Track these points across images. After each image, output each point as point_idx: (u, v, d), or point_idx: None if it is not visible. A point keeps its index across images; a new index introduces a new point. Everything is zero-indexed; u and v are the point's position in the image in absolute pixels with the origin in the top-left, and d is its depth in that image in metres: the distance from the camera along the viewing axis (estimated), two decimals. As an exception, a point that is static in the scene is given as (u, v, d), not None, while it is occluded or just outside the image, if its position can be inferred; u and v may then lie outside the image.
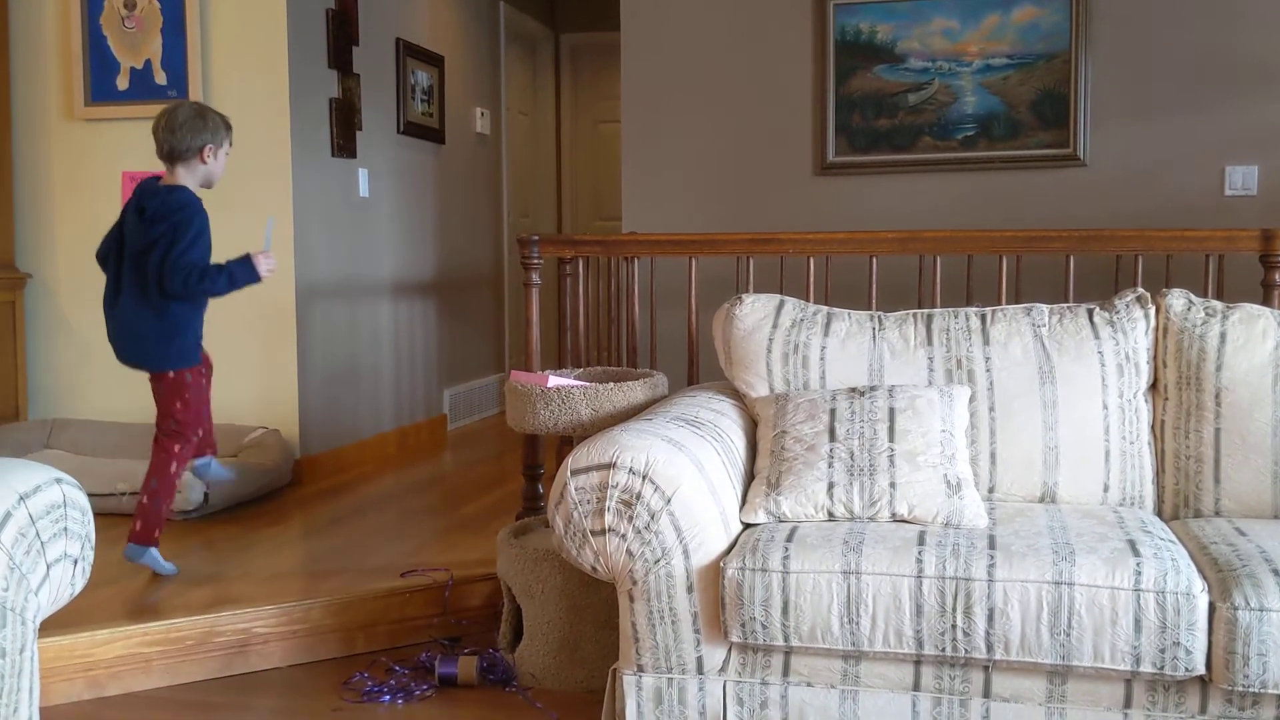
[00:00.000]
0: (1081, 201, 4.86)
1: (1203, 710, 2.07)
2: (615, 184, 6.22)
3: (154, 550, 3.25)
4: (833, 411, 2.55)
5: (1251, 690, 1.99)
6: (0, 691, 1.80)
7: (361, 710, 2.70)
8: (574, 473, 2.30)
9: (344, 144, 4.92)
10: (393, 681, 2.81)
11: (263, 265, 3.21)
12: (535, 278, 3.52)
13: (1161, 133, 4.85)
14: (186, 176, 3.22)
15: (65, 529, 1.91)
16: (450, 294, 6.02)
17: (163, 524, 3.26)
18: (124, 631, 2.84)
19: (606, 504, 2.25)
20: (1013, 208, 4.90)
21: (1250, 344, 2.53)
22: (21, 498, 1.83)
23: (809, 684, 2.24)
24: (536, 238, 3.52)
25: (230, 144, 3.32)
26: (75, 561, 1.96)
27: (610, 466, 2.27)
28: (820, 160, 5.14)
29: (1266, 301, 2.92)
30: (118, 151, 4.66)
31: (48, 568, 1.88)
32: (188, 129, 3.18)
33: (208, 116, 3.23)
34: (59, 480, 1.92)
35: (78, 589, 2.00)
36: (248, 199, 4.55)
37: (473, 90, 6.38)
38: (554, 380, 2.92)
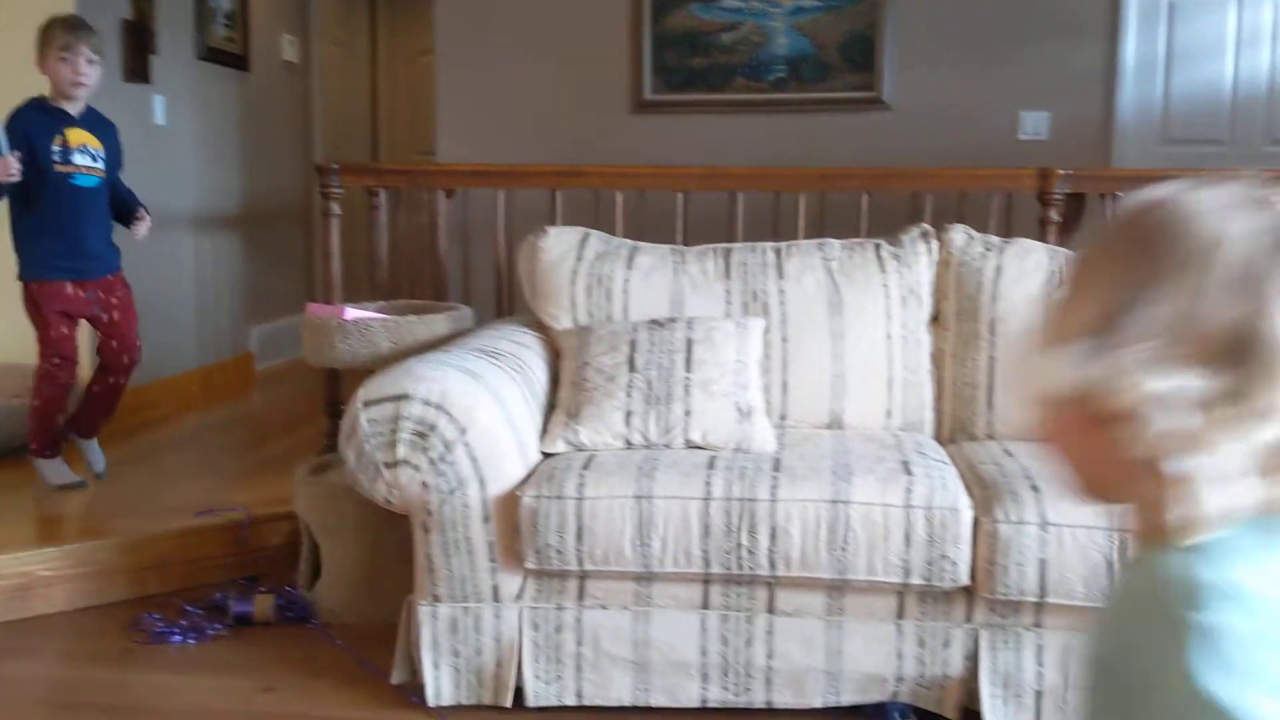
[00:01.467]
0: (885, 143, 5.01)
1: (968, 618, 2.20)
2: (434, 119, 6.09)
3: (38, 460, 3.39)
4: (633, 343, 2.58)
5: (1011, 598, 2.12)
6: None
7: (151, 651, 2.62)
8: (366, 404, 2.27)
9: (136, 68, 4.66)
10: (184, 622, 2.74)
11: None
12: (335, 208, 3.43)
13: (961, 78, 5.03)
14: None
15: None
16: (257, 229, 5.81)
17: (42, 436, 3.39)
18: (-112, 579, 2.68)
19: (399, 436, 2.23)
20: (821, 149, 5.02)
21: (1024, 276, 2.68)
22: None
23: (603, 606, 2.29)
24: (336, 166, 3.43)
25: (59, 46, 3.26)
26: None
27: (403, 398, 2.25)
28: (637, 98, 5.15)
29: (1043, 237, 3.08)
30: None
31: None
32: None
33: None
34: None
35: None
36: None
37: (280, 16, 6.13)
38: (351, 312, 2.86)
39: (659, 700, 2.29)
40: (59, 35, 3.25)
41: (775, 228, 3.55)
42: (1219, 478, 0.72)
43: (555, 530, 2.22)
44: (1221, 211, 0.74)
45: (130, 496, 3.39)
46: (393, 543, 2.71)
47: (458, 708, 2.32)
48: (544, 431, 2.51)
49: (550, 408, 2.60)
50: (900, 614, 2.22)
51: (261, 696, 2.39)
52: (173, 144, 5.02)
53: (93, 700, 2.37)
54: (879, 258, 2.76)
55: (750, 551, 2.18)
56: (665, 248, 2.88)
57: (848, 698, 2.26)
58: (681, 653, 2.27)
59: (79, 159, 3.29)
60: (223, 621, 2.74)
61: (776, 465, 2.27)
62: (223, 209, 5.48)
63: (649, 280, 2.78)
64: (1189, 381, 0.71)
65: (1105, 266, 0.77)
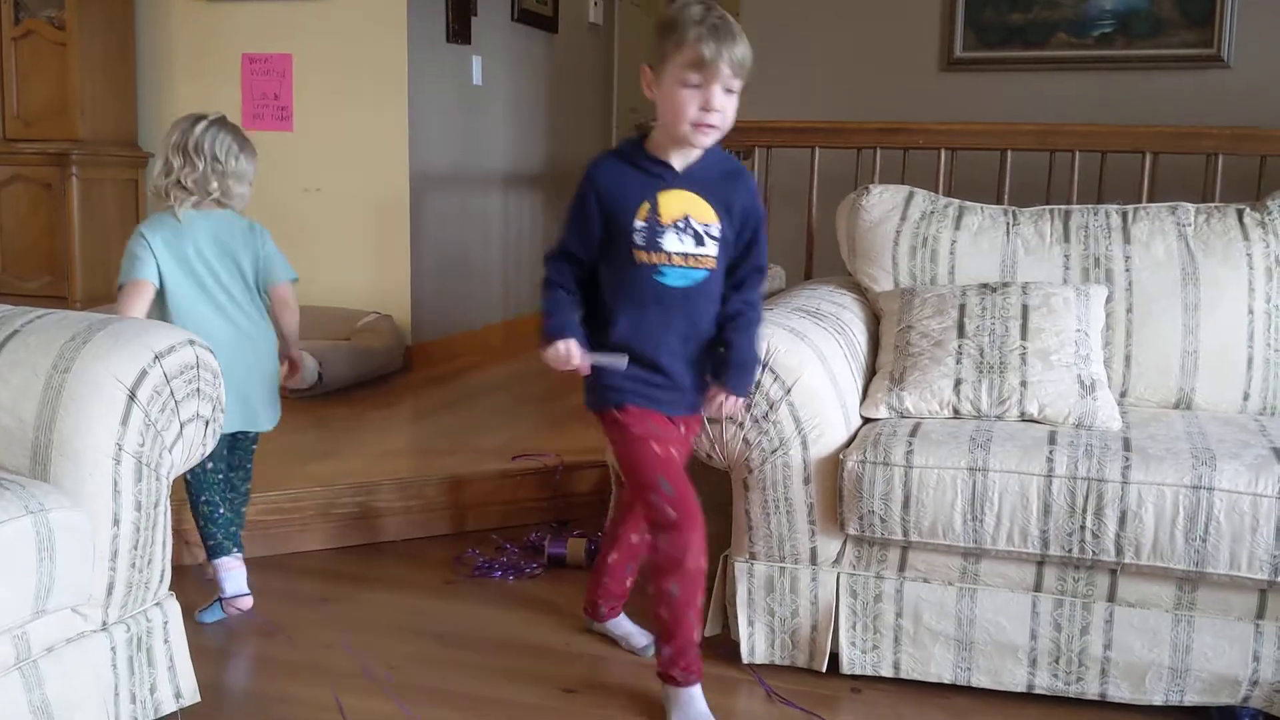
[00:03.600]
0: (1224, 107, 4.60)
1: (1344, 626, 1.98)
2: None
3: None
4: (962, 307, 2.47)
5: (1400, 607, 1.90)
6: (136, 544, 1.86)
7: (474, 584, 2.74)
8: (694, 358, 2.26)
9: (459, 30, 4.87)
10: (504, 559, 2.85)
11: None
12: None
13: (1317, 33, 4.55)
14: None
15: (198, 389, 1.95)
16: (560, 186, 5.98)
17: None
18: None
19: (726, 390, 2.22)
20: (1149, 112, 4.66)
21: None
22: (157, 356, 1.86)
23: (925, 580, 2.21)
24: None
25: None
26: (206, 423, 2.00)
27: (731, 353, 2.23)
28: (947, 55, 4.95)
29: None
30: (239, 34, 4.68)
31: (181, 426, 1.92)
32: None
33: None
34: (192, 342, 1.95)
35: (208, 449, 2.05)
36: (365, 87, 4.55)
37: (592, -21, 6.26)
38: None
39: (981, 681, 2.19)
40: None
41: (1100, 193, 3.32)
42: None
43: (880, 497, 2.15)
44: None
45: (449, 438, 3.56)
46: (706, 495, 2.71)
47: (770, 666, 2.30)
48: (864, 396, 2.44)
49: (871, 372, 2.53)
50: (1260, 613, 2.03)
51: (578, 636, 2.46)
52: (487, 104, 5.23)
53: (427, 627, 2.50)
54: (1242, 224, 2.52)
55: (1095, 535, 2.04)
56: (996, 208, 2.74)
57: (1192, 698, 2.09)
58: (1009, 634, 2.16)
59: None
60: (538, 561, 2.84)
61: (1126, 445, 2.12)
62: (529, 166, 5.67)
63: (978, 242, 2.65)
64: None
65: None
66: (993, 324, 2.41)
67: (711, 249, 2.03)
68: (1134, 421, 2.30)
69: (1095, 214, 2.64)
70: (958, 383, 2.35)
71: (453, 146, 4.96)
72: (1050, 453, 2.10)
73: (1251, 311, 2.46)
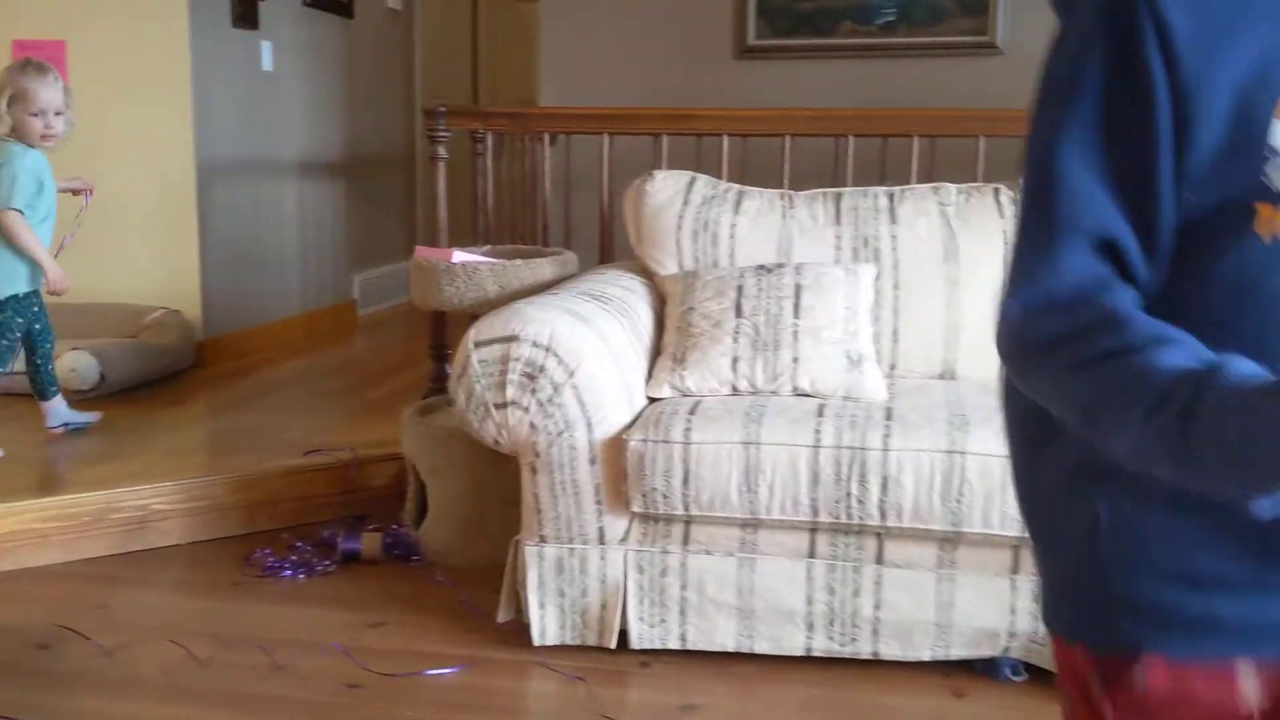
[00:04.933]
0: (999, 90, 4.84)
1: (1085, 575, 2.13)
2: (533, 68, 6.07)
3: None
4: (740, 288, 2.54)
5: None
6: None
7: (263, 584, 2.68)
8: (477, 345, 2.27)
9: (245, 14, 4.72)
10: (294, 557, 2.79)
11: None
12: (442, 151, 3.42)
13: (1078, 23, 4.85)
14: None
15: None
16: (360, 177, 5.87)
17: None
18: (17, 506, 2.78)
19: (509, 376, 2.23)
20: (932, 96, 4.87)
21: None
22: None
23: (708, 552, 2.27)
24: (444, 108, 3.42)
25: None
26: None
27: (513, 339, 2.24)
28: (740, 42, 5.06)
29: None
30: (7, 19, 4.41)
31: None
32: None
33: None
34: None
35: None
36: (145, 74, 4.36)
37: (384, -36, 6.15)
38: (459, 256, 2.86)
39: (763, 647, 2.27)
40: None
41: (883, 175, 3.46)
42: None
43: (662, 474, 2.20)
44: None
45: (241, 436, 3.46)
46: (499, 486, 2.72)
47: (562, 648, 2.33)
48: (649, 377, 2.49)
49: (656, 353, 2.58)
50: (1015, 569, 2.16)
51: (370, 631, 2.43)
52: (279, 90, 5.08)
53: (205, 629, 2.43)
54: (998, 203, 2.67)
55: (860, 501, 2.14)
56: (773, 192, 2.83)
57: (957, 651, 2.21)
58: (787, 600, 2.24)
59: None
60: (331, 558, 2.79)
61: (888, 414, 2.22)
62: (326, 155, 5.54)
63: (756, 225, 2.73)
64: None
65: None
66: (768, 304, 2.49)
67: None
68: (899, 392, 2.42)
69: (865, 196, 2.75)
70: (735, 361, 2.42)
71: (242, 135, 4.80)
72: (818, 425, 2.19)
73: (1006, 285, 2.61)
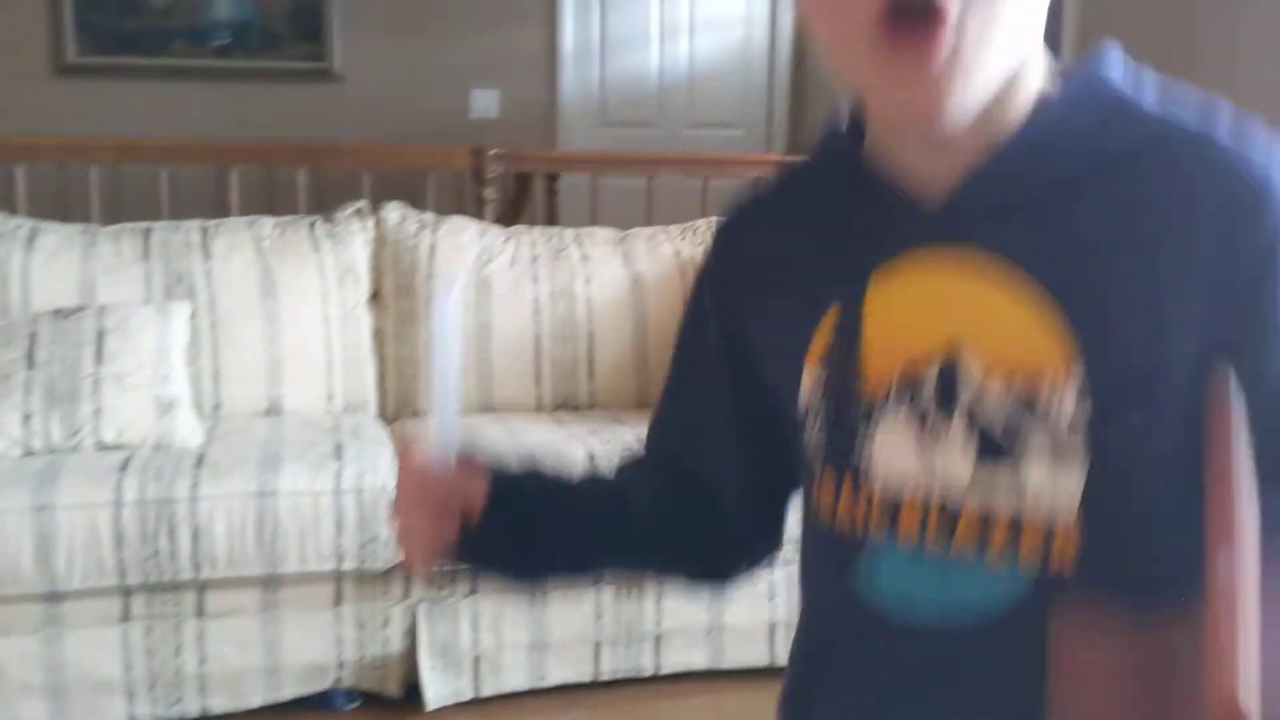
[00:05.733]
0: (338, 117, 4.92)
1: (406, 595, 2.21)
2: None
3: None
4: (33, 335, 2.32)
5: (444, 571, 2.17)
6: None
7: None
8: None
9: None
10: None
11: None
12: None
13: (413, 53, 5.05)
14: None
15: None
16: None
17: None
18: None
19: None
20: (270, 121, 4.81)
21: (456, 253, 2.73)
22: None
23: (6, 634, 2.04)
24: None
25: None
26: None
27: None
28: (59, 60, 4.65)
29: (479, 214, 3.16)
30: None
31: None
32: None
33: None
34: None
35: None
36: None
37: None
38: None
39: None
40: None
41: (218, 205, 3.35)
42: None
43: (-64, 555, 1.94)
44: None
45: None
46: None
47: None
48: (-73, 442, 2.19)
49: (-64, 414, 2.27)
50: (338, 600, 2.19)
51: None
52: None
53: None
54: (313, 236, 2.69)
55: (171, 556, 2.04)
56: (74, 228, 2.62)
57: (289, 691, 2.20)
58: (103, 671, 2.08)
59: None
60: None
61: (199, 461, 2.15)
62: None
63: (53, 264, 2.51)
64: None
65: None
66: (65, 351, 2.30)
67: (1048, 466, 0.66)
68: (219, 435, 2.35)
69: (177, 230, 2.64)
70: (27, 417, 2.20)
71: None
72: (120, 480, 2.06)
73: (327, 318, 2.64)
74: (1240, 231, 0.61)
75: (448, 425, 0.75)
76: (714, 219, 2.91)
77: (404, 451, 0.75)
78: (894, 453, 0.68)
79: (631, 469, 0.87)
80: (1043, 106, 0.66)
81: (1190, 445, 0.60)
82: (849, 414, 0.70)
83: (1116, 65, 0.68)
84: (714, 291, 0.81)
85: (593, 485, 0.85)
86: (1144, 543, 0.63)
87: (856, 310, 0.69)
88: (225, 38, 4.81)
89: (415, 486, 0.76)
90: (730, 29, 5.48)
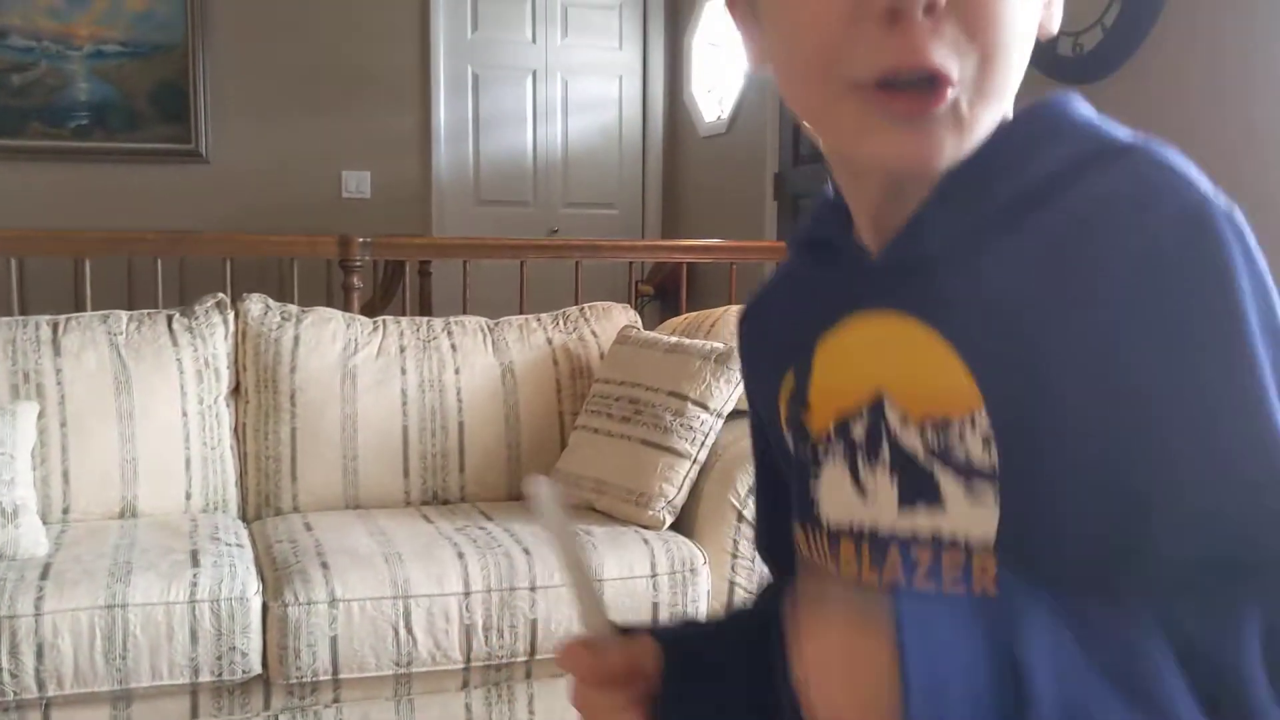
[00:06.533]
0: (205, 200, 4.84)
1: (266, 706, 2.14)
2: None
3: None
4: None
5: (306, 680, 2.10)
6: None
7: None
8: None
9: None
10: None
11: None
12: None
13: (283, 134, 5.01)
14: None
15: None
16: None
17: None
18: None
19: None
20: (134, 204, 4.72)
21: (321, 345, 2.68)
22: None
23: None
24: None
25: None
26: None
27: None
28: (-95, 140, 4.48)
29: (346, 304, 3.13)
30: None
31: None
32: None
33: None
34: None
35: None
36: None
37: None
38: None
39: None
40: None
41: (73, 297, 3.25)
42: None
43: None
44: None
45: None
46: None
47: None
48: None
49: None
50: (194, 715, 2.10)
51: None
52: None
53: None
54: (171, 330, 2.62)
55: (14, 675, 1.93)
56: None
57: (143, 813, 2.09)
58: (-65, 802, 1.96)
59: None
60: None
61: (45, 572, 2.05)
62: None
63: (-110, 366, 2.39)
64: None
65: None
66: (-101, 458, 2.18)
67: (967, 512, 0.68)
68: (67, 542, 2.25)
69: (25, 326, 2.55)
70: None
71: None
72: (-43, 597, 1.95)
73: (185, 414, 2.56)
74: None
75: (594, 606, 0.75)
76: (585, 305, 2.93)
77: (568, 646, 0.74)
78: (833, 498, 0.74)
79: (770, 592, 0.87)
80: (985, 139, 0.65)
81: (1104, 470, 0.61)
82: (805, 467, 0.76)
83: (1076, 100, 0.67)
84: (745, 384, 0.87)
85: (746, 619, 0.85)
86: (1058, 565, 0.64)
87: (806, 371, 0.75)
88: (84, 119, 4.70)
89: (589, 672, 0.74)
90: (604, 110, 5.57)
